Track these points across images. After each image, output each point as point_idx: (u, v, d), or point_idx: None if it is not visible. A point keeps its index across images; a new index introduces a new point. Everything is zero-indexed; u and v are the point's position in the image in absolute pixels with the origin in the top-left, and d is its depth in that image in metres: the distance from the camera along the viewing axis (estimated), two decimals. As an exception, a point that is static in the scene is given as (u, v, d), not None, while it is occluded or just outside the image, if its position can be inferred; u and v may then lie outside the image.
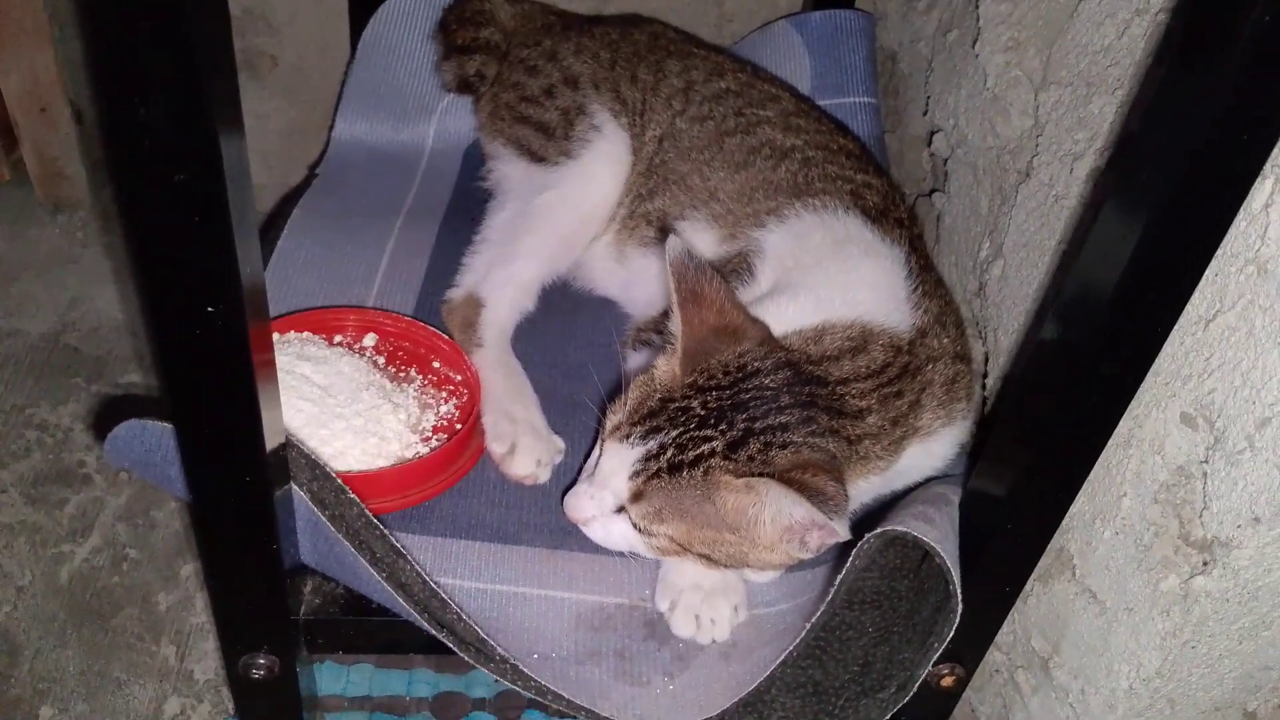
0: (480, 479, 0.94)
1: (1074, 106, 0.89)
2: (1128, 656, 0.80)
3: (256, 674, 0.77)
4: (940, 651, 0.73)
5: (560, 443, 0.96)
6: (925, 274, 0.96)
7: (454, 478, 0.92)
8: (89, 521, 1.11)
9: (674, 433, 0.79)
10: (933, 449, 0.90)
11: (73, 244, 1.45)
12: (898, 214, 1.02)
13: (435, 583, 0.75)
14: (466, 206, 1.24)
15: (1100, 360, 0.66)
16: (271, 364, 0.65)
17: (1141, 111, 0.74)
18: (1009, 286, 0.98)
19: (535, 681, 0.74)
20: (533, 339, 1.08)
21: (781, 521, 0.75)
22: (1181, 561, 0.75)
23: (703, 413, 0.79)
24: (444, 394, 0.99)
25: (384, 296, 1.11)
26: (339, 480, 0.74)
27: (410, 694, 0.93)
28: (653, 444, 0.80)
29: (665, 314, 1.03)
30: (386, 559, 0.75)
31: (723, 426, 0.78)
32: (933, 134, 1.19)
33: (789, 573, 0.88)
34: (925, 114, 1.23)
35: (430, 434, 0.95)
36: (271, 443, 0.66)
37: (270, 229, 1.17)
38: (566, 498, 0.85)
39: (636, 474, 0.80)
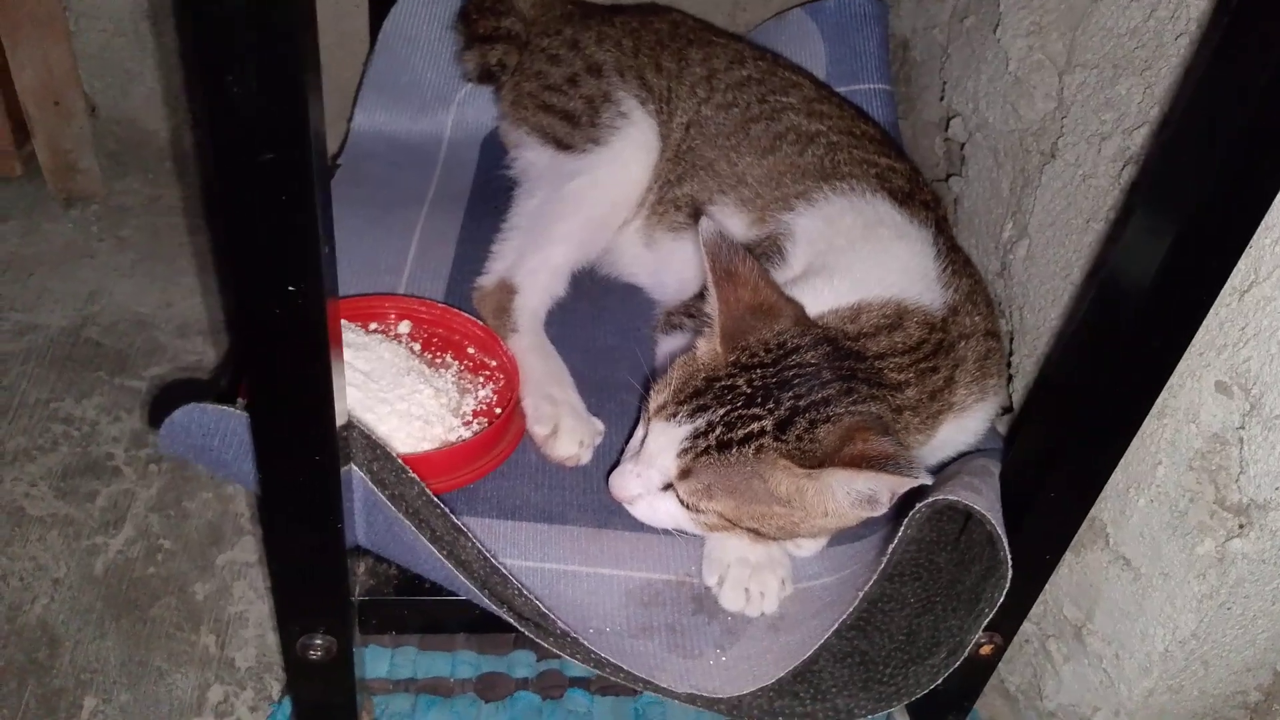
0: (522, 461, 0.95)
1: (1100, 88, 0.91)
2: (1163, 620, 0.83)
3: (314, 655, 0.77)
4: (990, 616, 0.75)
5: (600, 424, 0.98)
6: (953, 254, 0.98)
7: (497, 460, 0.93)
8: (121, 513, 1.11)
9: (721, 411, 0.81)
10: (966, 424, 0.92)
11: (88, 238, 1.44)
12: (923, 196, 1.04)
13: (496, 559, 0.76)
14: (487, 195, 1.25)
15: (1142, 334, 0.68)
16: (340, 344, 0.66)
17: (1188, 92, 0.76)
18: (1035, 265, 1.00)
19: (595, 654, 0.75)
20: (563, 324, 1.09)
21: (853, 496, 0.77)
22: (1217, 526, 0.78)
23: (749, 391, 0.81)
24: (480, 379, 1.00)
25: (414, 284, 1.12)
26: (399, 460, 0.75)
27: (455, 675, 0.94)
28: (700, 422, 0.81)
29: (697, 297, 1.05)
30: (447, 537, 0.76)
31: (770, 405, 0.80)
32: (949, 119, 1.21)
33: (830, 547, 0.90)
34: (941, 99, 1.25)
35: (470, 418, 0.96)
36: (339, 422, 0.67)
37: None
38: (612, 476, 0.87)
39: (684, 452, 0.81)
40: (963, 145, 1.19)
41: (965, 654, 0.77)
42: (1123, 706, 0.89)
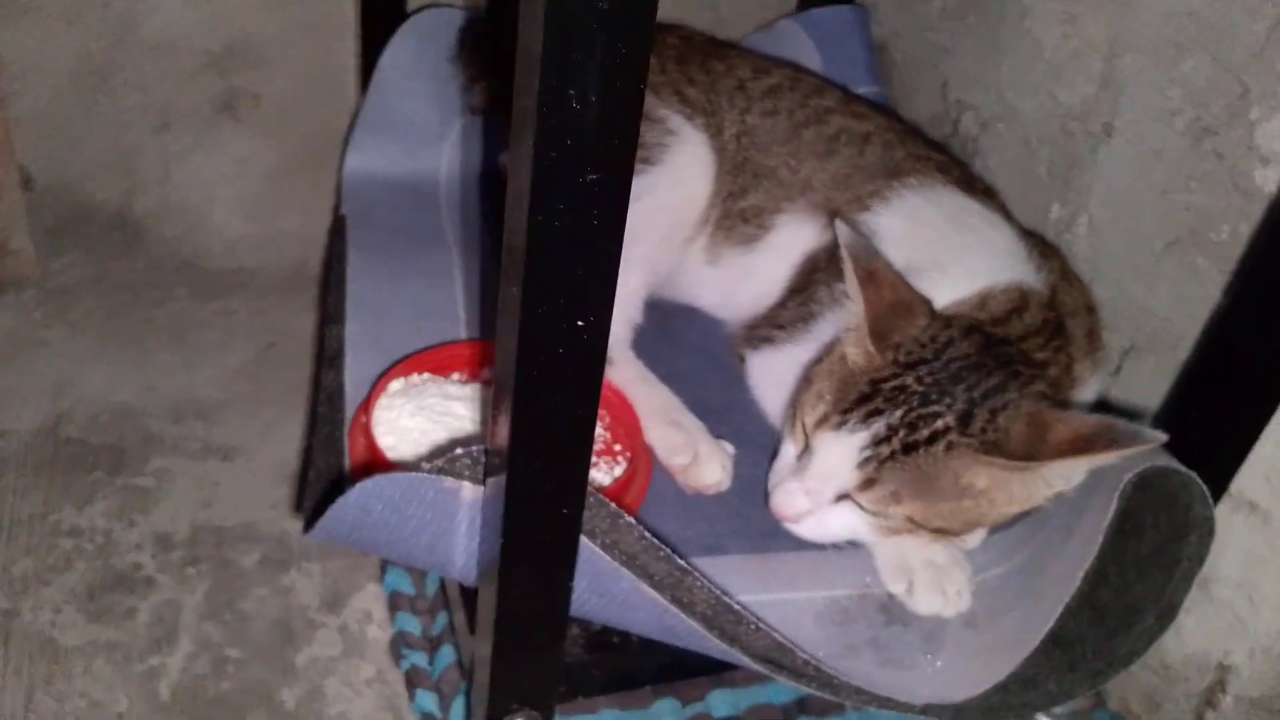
0: (657, 497, 0.90)
1: (1160, 68, 0.96)
2: (1304, 555, 0.87)
3: (522, 733, 0.70)
4: (1198, 572, 0.77)
5: (729, 446, 0.94)
6: (1032, 236, 1.01)
7: (639, 497, 0.88)
8: (170, 627, 0.97)
9: (899, 413, 0.79)
10: (1083, 397, 0.94)
11: (32, 326, 1.27)
12: (981, 185, 1.07)
13: (727, 595, 0.71)
14: (497, 231, 1.19)
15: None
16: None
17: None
18: (1103, 240, 1.04)
19: (841, 680, 0.72)
20: (641, 351, 1.04)
21: (1063, 479, 0.77)
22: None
23: (921, 389, 0.80)
24: (585, 418, 0.95)
25: (472, 326, 1.05)
26: (613, 505, 0.69)
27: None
28: (878, 427, 0.79)
29: (779, 307, 1.04)
30: (669, 580, 0.70)
31: (947, 400, 0.79)
32: (960, 115, 1.25)
33: (991, 534, 0.90)
34: (944, 97, 1.29)
35: (596, 458, 0.90)
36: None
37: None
38: (775, 495, 0.83)
39: (866, 461, 0.79)
40: (976, 138, 1.23)
41: (1175, 616, 0.78)
42: (1258, 645, 0.93)
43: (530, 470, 0.58)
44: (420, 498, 0.67)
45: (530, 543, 0.61)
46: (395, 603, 0.99)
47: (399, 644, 0.96)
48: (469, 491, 0.67)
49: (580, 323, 0.53)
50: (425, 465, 0.65)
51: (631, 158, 0.49)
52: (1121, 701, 1.02)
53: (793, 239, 1.04)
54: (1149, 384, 0.99)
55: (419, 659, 0.94)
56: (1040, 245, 1.00)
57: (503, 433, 0.57)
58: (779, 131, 1.08)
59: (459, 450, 0.65)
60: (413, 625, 0.97)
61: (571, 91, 0.45)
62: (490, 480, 0.63)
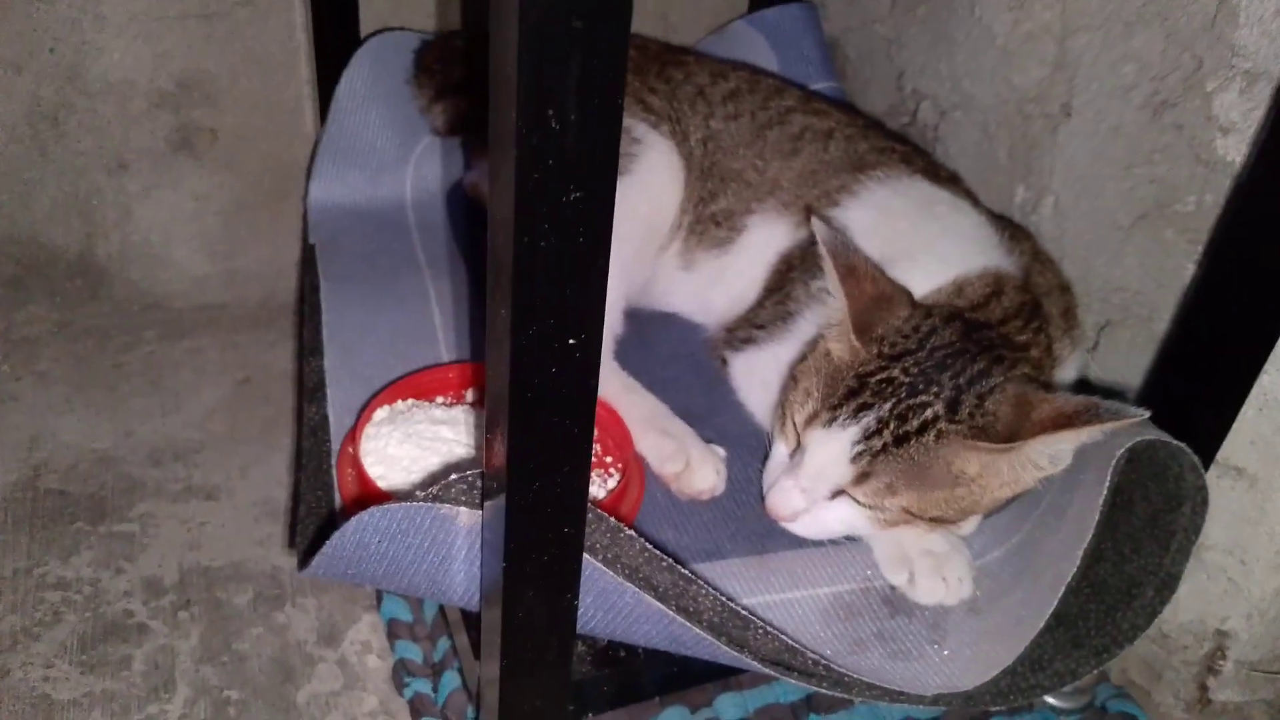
0: (650, 507, 0.90)
1: (1115, 46, 0.97)
2: (1293, 515, 0.89)
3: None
4: (1195, 543, 0.78)
5: (720, 450, 0.94)
6: (1002, 220, 1.02)
7: (635, 508, 0.88)
8: (167, 674, 0.96)
9: (888, 405, 0.80)
10: (1066, 377, 0.95)
11: (0, 379, 1.25)
12: (946, 173, 1.08)
13: (732, 601, 0.71)
14: (472, 251, 1.19)
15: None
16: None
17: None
18: (1070, 219, 1.05)
19: (850, 678, 0.72)
20: (622, 361, 1.04)
21: (1048, 458, 0.77)
22: (1338, 417, 0.84)
23: (908, 380, 0.80)
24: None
25: (451, 348, 1.04)
26: (612, 520, 0.69)
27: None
28: (868, 421, 0.80)
29: (758, 307, 1.04)
30: (673, 590, 0.70)
31: (935, 389, 0.80)
32: (918, 104, 1.27)
33: (985, 519, 0.91)
34: (900, 88, 1.30)
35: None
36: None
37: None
38: (771, 496, 0.84)
39: (860, 455, 0.80)
40: (936, 126, 1.25)
41: (1176, 589, 0.79)
42: (1255, 608, 0.94)
43: (529, 491, 0.58)
44: (417, 527, 0.66)
45: (533, 564, 0.61)
46: (394, 631, 0.98)
47: (401, 672, 0.95)
48: (466, 517, 0.66)
49: (572, 341, 0.53)
50: (419, 494, 0.65)
51: (614, 173, 0.49)
52: (1123, 675, 1.04)
53: (765, 239, 1.05)
54: (1126, 358, 1.01)
55: (423, 686, 0.93)
56: (1010, 228, 1.01)
57: (499, 455, 0.57)
58: (743, 134, 1.09)
59: (453, 476, 0.65)
60: (413, 652, 0.96)
61: (550, 112, 0.45)
62: (489, 504, 0.63)
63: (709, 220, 1.07)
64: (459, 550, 0.68)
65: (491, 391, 0.57)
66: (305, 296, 1.07)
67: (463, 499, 0.66)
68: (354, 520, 0.66)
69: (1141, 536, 0.82)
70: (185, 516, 1.11)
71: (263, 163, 1.31)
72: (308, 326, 1.04)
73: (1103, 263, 1.02)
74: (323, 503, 0.85)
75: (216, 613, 1.02)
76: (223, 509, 1.13)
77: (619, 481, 0.87)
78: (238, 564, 1.07)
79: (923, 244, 0.95)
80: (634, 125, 1.08)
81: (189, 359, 1.32)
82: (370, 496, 0.80)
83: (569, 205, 0.48)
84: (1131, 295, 0.99)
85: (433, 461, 0.83)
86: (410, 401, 0.92)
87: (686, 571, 0.70)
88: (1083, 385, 1.01)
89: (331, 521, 0.82)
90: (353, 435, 0.87)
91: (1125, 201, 0.99)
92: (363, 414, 0.88)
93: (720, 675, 0.86)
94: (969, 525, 0.89)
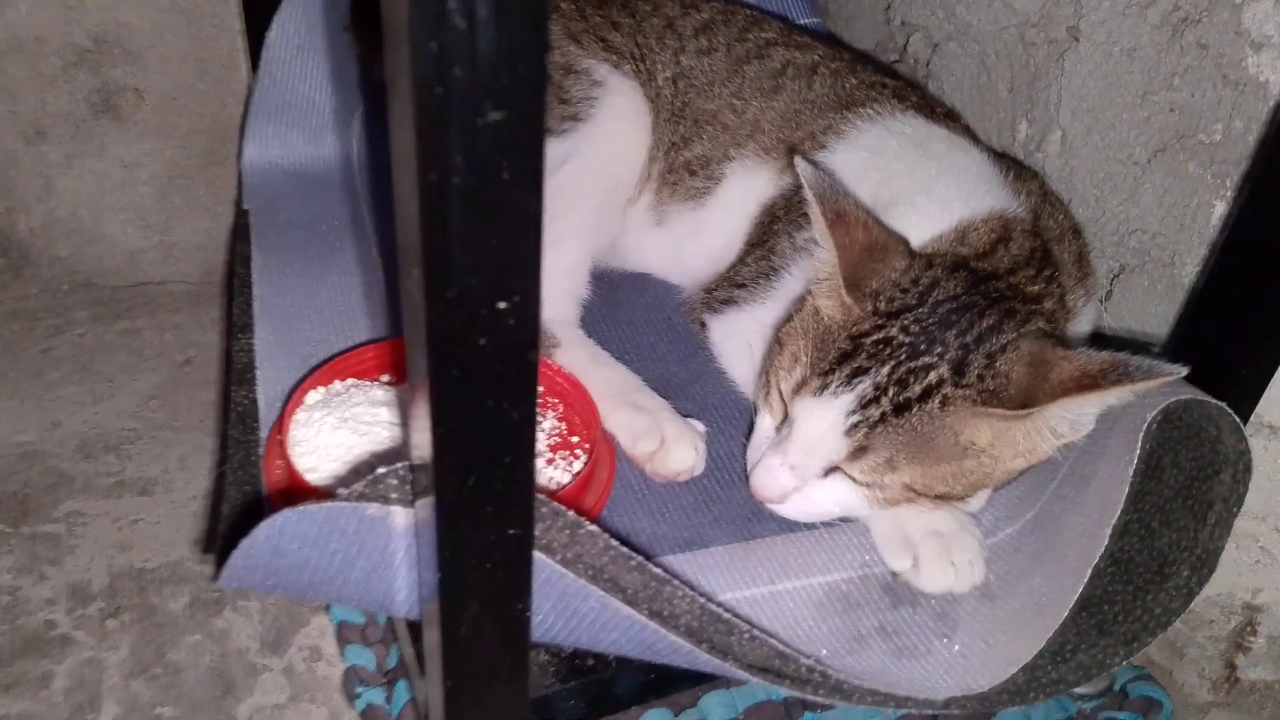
0: (622, 492, 0.80)
1: (1127, -43, 0.87)
2: (1335, 476, 0.80)
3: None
4: (1236, 515, 0.69)
5: (699, 425, 0.84)
6: (1004, 159, 0.92)
7: (605, 493, 0.78)
8: (93, 691, 0.86)
9: (885, 369, 0.70)
10: (1081, 328, 0.86)
11: (-88, 371, 1.14)
12: (943, 109, 0.98)
13: (714, 602, 0.62)
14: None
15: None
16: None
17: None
18: (1079, 155, 0.95)
19: (850, 684, 0.63)
20: (590, 329, 0.94)
21: (1069, 423, 0.68)
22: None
23: (908, 340, 0.71)
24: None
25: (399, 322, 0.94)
26: (571, 514, 0.59)
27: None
28: (864, 387, 0.70)
29: (739, 264, 0.94)
30: (645, 592, 0.61)
31: (938, 349, 0.70)
32: (908, 38, 1.16)
33: (995, 492, 0.81)
34: (888, 21, 1.19)
35: (552, 454, 0.80)
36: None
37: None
38: (755, 476, 0.74)
39: (854, 427, 0.70)
40: (928, 62, 1.14)
41: (1214, 566, 0.70)
42: (1290, 578, 0.86)
43: (463, 487, 0.48)
44: (341, 530, 0.56)
45: (474, 571, 0.51)
46: (344, 635, 0.89)
47: (352, 681, 0.86)
48: (401, 516, 0.56)
49: (502, 304, 0.43)
50: (342, 491, 0.55)
51: (542, 86, 0.39)
52: (1142, 654, 0.95)
53: (746, 188, 0.94)
54: (1144, 307, 0.91)
55: (375, 696, 0.84)
56: (1015, 167, 0.91)
57: (423, 446, 0.47)
58: (718, 70, 0.98)
59: (381, 470, 0.55)
60: (366, 658, 0.87)
61: (451, 5, 0.35)
62: (419, 502, 0.53)
63: (682, 169, 0.97)
64: (395, 554, 0.59)
65: (410, 370, 0.47)
66: (235, 269, 0.97)
67: (394, 495, 0.56)
68: (264, 524, 0.56)
69: (1173, 507, 0.73)
70: (117, 514, 1.01)
71: (195, 124, 1.20)
72: (237, 301, 0.93)
73: (1117, 202, 0.92)
74: (249, 499, 0.75)
75: (149, 620, 0.92)
76: (158, 504, 1.03)
77: (586, 464, 0.77)
78: (174, 565, 0.97)
79: (920, 186, 0.85)
80: (594, 66, 0.97)
81: (123, 341, 1.21)
82: (299, 492, 0.71)
83: (486, 129, 0.38)
84: (1150, 237, 0.89)
85: (371, 450, 0.73)
86: (350, 382, 0.82)
87: (659, 570, 0.61)
88: (1097, 339, 0.91)
89: (258, 521, 0.72)
90: (281, 422, 0.77)
91: (1141, 133, 0.89)
92: (292, 397, 0.78)
93: (704, 679, 0.77)
94: (977, 501, 0.80)
